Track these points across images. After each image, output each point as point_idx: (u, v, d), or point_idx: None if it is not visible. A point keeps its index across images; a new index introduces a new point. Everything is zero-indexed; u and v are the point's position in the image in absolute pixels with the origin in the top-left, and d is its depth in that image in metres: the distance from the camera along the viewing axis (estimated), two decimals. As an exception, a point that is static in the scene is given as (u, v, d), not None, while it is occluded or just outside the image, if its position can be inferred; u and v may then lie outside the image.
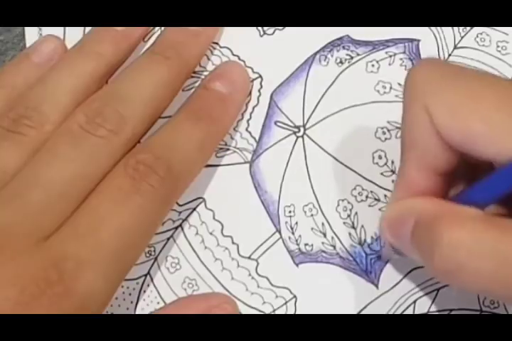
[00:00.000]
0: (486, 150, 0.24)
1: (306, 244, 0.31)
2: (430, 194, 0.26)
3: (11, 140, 0.29)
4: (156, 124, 0.31)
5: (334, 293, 0.30)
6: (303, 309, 0.30)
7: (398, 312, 0.30)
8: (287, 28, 0.33)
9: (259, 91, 0.32)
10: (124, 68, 0.32)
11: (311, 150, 0.32)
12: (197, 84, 0.32)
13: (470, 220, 0.23)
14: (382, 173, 0.31)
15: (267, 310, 0.30)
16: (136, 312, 0.30)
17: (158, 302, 0.31)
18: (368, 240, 0.31)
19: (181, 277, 0.31)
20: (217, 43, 0.33)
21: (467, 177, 0.27)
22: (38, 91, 0.30)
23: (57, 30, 0.33)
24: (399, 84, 0.32)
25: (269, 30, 0.33)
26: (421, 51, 0.33)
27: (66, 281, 0.25)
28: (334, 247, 0.31)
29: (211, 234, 0.31)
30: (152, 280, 0.31)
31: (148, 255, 0.31)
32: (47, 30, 0.33)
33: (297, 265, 0.31)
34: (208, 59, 0.33)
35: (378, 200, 0.31)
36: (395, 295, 0.30)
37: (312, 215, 0.31)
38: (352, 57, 0.33)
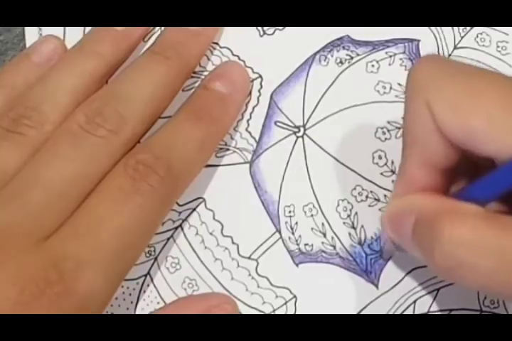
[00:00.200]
0: (487, 147, 0.24)
1: (306, 244, 0.31)
2: (431, 190, 0.26)
3: (10, 140, 0.29)
4: (156, 124, 0.31)
5: (334, 293, 0.30)
6: (303, 309, 0.30)
7: (398, 312, 0.30)
8: (287, 28, 0.33)
9: (259, 91, 0.32)
10: (124, 68, 0.32)
11: (311, 150, 0.32)
12: (197, 84, 0.32)
13: (471, 217, 0.23)
14: (382, 173, 0.31)
15: (267, 310, 0.30)
16: (136, 312, 0.30)
17: (158, 303, 0.30)
18: (368, 240, 0.31)
19: (181, 277, 0.31)
20: (217, 43, 0.33)
21: (468, 174, 0.27)
22: (37, 91, 0.30)
23: (57, 30, 0.33)
24: (399, 84, 0.32)
25: (269, 30, 0.33)
26: (421, 51, 0.33)
27: (66, 281, 0.25)
28: (334, 247, 0.31)
29: (211, 234, 0.31)
30: (152, 280, 0.31)
31: (148, 255, 0.31)
32: (47, 30, 0.33)
33: (297, 265, 0.31)
34: (208, 59, 0.33)
35: (378, 200, 0.31)
36: (395, 295, 0.30)
37: (312, 215, 0.31)
38: (352, 58, 0.33)
